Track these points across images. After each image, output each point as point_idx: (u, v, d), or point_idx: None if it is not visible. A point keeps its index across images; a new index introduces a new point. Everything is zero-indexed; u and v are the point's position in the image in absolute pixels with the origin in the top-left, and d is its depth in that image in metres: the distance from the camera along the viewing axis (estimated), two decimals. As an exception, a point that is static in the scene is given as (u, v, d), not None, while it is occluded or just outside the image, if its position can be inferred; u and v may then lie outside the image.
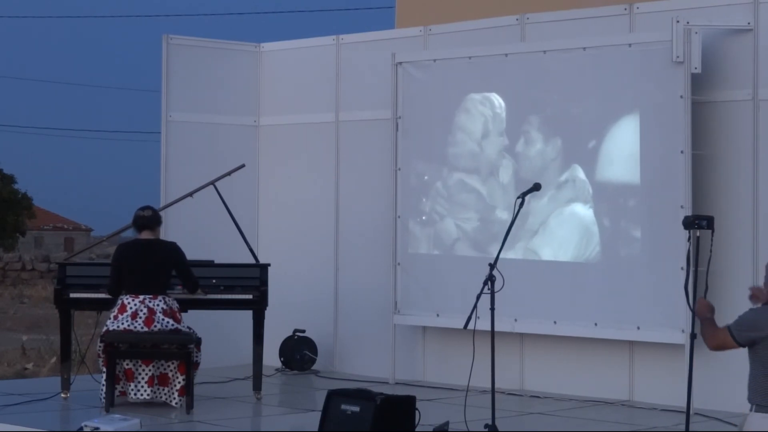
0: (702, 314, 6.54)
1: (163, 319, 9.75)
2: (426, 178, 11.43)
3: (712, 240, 6.85)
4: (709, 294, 9.46)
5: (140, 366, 9.81)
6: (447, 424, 8.66)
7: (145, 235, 10.00)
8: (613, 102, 10.39)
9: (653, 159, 10.13)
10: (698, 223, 6.77)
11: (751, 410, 6.28)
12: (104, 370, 9.76)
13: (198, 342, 9.91)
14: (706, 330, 6.45)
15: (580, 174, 10.52)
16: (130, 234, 11.38)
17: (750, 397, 6.31)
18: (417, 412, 8.29)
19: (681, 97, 9.86)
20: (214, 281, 10.42)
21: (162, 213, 10.44)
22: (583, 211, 10.51)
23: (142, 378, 9.81)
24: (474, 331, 8.25)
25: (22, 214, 51.03)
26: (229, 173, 11.38)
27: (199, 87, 12.54)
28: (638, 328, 10.13)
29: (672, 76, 9.92)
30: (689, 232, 6.74)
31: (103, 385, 9.74)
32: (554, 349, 10.88)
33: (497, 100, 11.03)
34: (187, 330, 9.87)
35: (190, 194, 11.32)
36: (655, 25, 10.28)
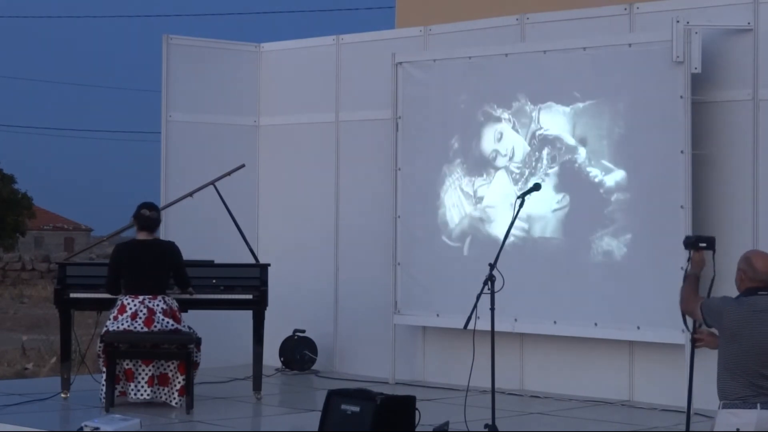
0: (692, 266, 6.69)
1: (162, 319, 9.75)
2: (426, 178, 11.43)
3: (714, 260, 6.89)
4: (707, 294, 9.50)
5: (140, 366, 9.81)
6: (447, 424, 8.66)
7: (143, 235, 10.00)
8: (613, 102, 10.39)
9: (653, 159, 10.13)
10: (700, 244, 6.77)
11: (719, 408, 6.37)
12: (104, 370, 9.76)
13: (198, 342, 9.91)
14: (686, 288, 6.63)
15: (580, 174, 10.52)
16: (130, 234, 11.39)
17: (718, 394, 6.42)
18: (417, 412, 8.29)
19: (681, 97, 9.86)
20: (214, 281, 10.42)
21: (162, 213, 10.43)
22: (583, 211, 10.51)
23: (142, 378, 9.81)
24: (474, 331, 8.25)
25: (22, 214, 51.05)
26: (229, 173, 11.38)
27: (199, 87, 12.54)
28: (638, 328, 10.13)
29: (672, 76, 9.92)
30: (689, 252, 6.76)
31: (103, 385, 9.74)
32: (554, 349, 10.88)
33: (497, 100, 11.02)
34: (187, 330, 9.88)
35: (190, 194, 11.32)
36: (655, 25, 10.28)
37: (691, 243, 6.80)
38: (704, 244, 6.74)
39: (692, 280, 6.66)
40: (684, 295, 6.63)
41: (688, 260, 6.75)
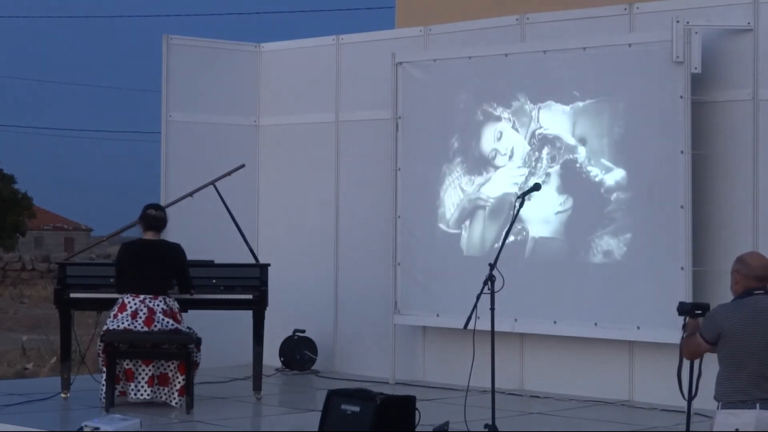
0: (689, 329, 6.68)
1: (163, 319, 9.75)
2: (426, 177, 11.43)
3: None
4: (709, 295, 9.50)
5: (140, 366, 9.81)
6: (447, 424, 8.66)
7: (150, 235, 10.00)
8: (613, 102, 10.39)
9: (653, 159, 10.13)
10: (696, 311, 6.77)
11: (718, 408, 6.39)
12: (104, 370, 9.76)
13: (198, 342, 9.91)
14: (684, 342, 6.64)
15: (580, 174, 10.52)
16: (130, 234, 11.40)
17: (715, 395, 6.43)
18: (417, 412, 8.29)
19: (681, 97, 9.86)
20: (214, 281, 10.42)
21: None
22: (583, 211, 10.51)
23: (142, 378, 9.81)
24: (474, 331, 8.25)
25: (22, 214, 51.04)
26: (229, 173, 11.37)
27: (199, 87, 12.54)
28: (638, 328, 10.13)
29: (672, 76, 9.92)
30: (685, 318, 6.77)
31: (103, 385, 9.74)
32: (554, 349, 10.88)
33: (497, 99, 11.02)
34: (187, 330, 9.87)
35: (190, 194, 11.32)
36: (655, 25, 10.28)
37: (686, 311, 6.78)
38: (700, 311, 6.74)
39: (691, 336, 6.65)
40: (683, 344, 6.64)
41: (683, 327, 6.74)
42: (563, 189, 10.62)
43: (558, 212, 10.65)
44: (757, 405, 6.25)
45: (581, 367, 10.74)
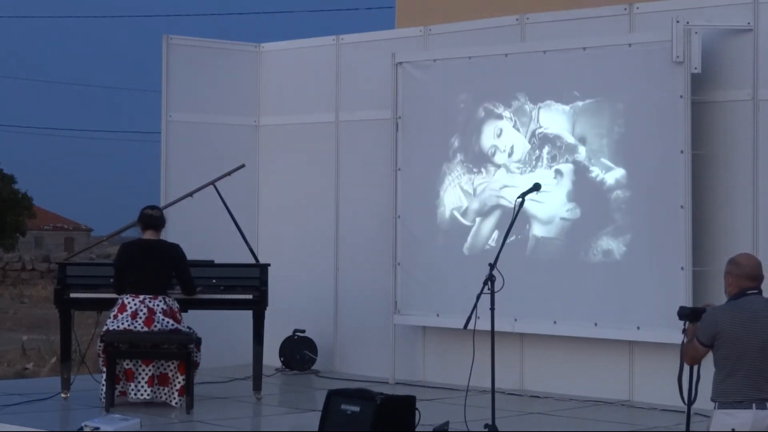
0: (689, 335, 6.68)
1: (163, 319, 9.75)
2: (426, 177, 11.43)
3: None
4: (708, 295, 9.49)
5: (140, 366, 9.81)
6: (447, 424, 8.66)
7: (149, 235, 10.00)
8: (613, 102, 10.39)
9: (653, 159, 10.14)
10: (695, 316, 6.78)
11: (715, 408, 6.42)
12: (104, 370, 9.76)
13: (198, 342, 9.91)
14: (685, 347, 6.65)
15: (580, 174, 10.52)
16: (130, 234, 11.41)
17: (712, 395, 6.47)
18: (417, 412, 8.29)
19: (681, 97, 9.86)
20: (214, 281, 10.42)
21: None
22: (583, 210, 10.51)
23: (142, 378, 9.81)
24: (474, 331, 8.25)
25: (22, 214, 51.02)
26: (229, 173, 11.38)
27: (199, 87, 12.54)
28: (638, 328, 10.13)
29: (672, 76, 9.92)
30: (684, 323, 6.76)
31: (103, 385, 9.74)
32: (554, 349, 10.88)
33: (497, 99, 11.02)
34: (187, 330, 9.88)
35: (190, 194, 11.32)
36: (655, 25, 10.28)
37: (686, 315, 6.78)
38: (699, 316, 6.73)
39: (690, 342, 6.66)
40: (684, 349, 6.66)
41: (683, 331, 6.74)
42: (563, 189, 10.61)
43: (558, 212, 10.64)
44: (754, 405, 6.27)
45: (581, 367, 10.74)
